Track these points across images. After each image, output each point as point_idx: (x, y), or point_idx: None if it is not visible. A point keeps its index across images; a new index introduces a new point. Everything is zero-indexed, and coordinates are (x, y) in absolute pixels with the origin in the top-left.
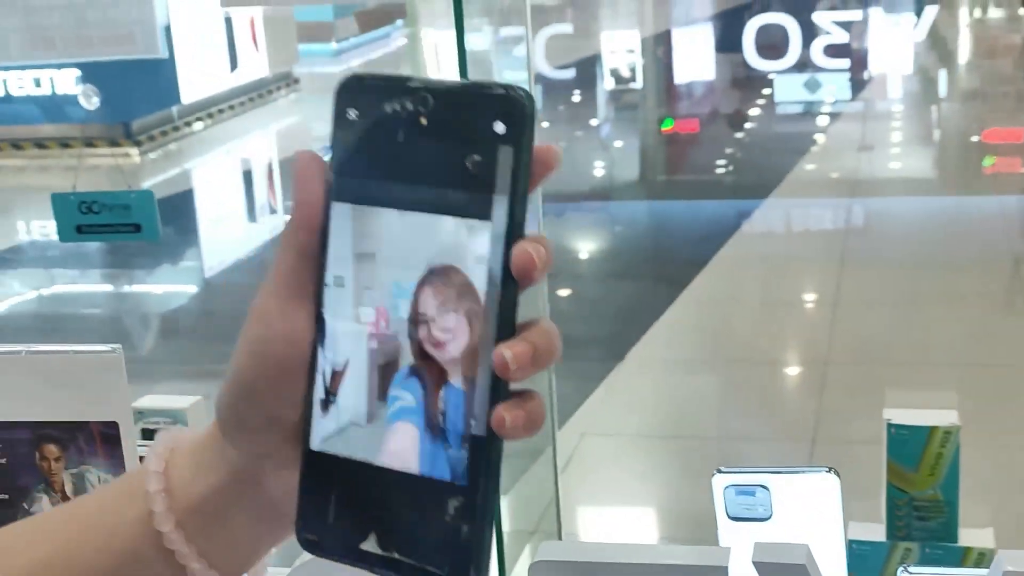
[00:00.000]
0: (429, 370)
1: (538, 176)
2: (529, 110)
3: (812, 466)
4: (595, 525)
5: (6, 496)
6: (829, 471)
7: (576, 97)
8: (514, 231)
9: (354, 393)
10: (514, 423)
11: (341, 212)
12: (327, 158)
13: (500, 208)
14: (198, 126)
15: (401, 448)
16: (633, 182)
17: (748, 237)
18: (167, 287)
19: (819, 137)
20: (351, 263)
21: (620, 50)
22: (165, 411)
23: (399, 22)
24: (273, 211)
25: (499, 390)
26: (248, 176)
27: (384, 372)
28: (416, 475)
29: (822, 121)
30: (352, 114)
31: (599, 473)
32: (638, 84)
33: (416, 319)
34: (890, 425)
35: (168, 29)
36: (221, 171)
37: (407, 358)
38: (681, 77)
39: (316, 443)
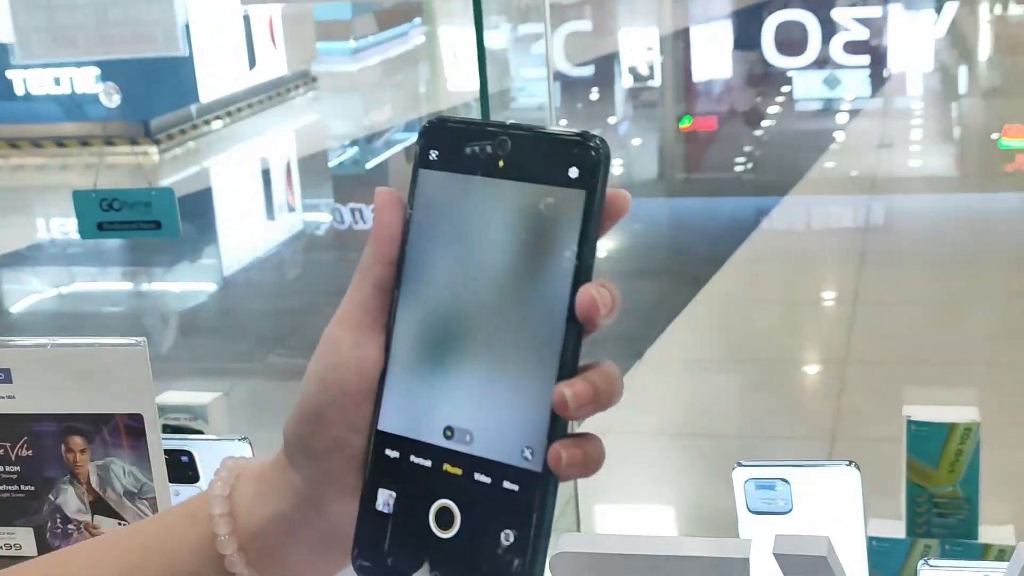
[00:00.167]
0: None
1: (609, 221)
2: (603, 156)
3: (832, 460)
4: (613, 523)
5: (32, 488)
6: (849, 464)
7: (594, 95)
8: (582, 274)
9: None
10: (570, 461)
11: (417, 248)
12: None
13: (570, 251)
14: (217, 124)
15: (457, 481)
16: (652, 180)
17: (767, 235)
18: (186, 285)
19: (838, 135)
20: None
21: (638, 48)
22: (186, 407)
23: (417, 20)
24: (291, 209)
25: (558, 428)
26: (267, 175)
27: None
28: (470, 509)
29: (841, 118)
30: (434, 155)
31: (617, 471)
32: (656, 82)
33: None
34: (910, 422)
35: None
36: (240, 169)
37: None
38: (699, 75)
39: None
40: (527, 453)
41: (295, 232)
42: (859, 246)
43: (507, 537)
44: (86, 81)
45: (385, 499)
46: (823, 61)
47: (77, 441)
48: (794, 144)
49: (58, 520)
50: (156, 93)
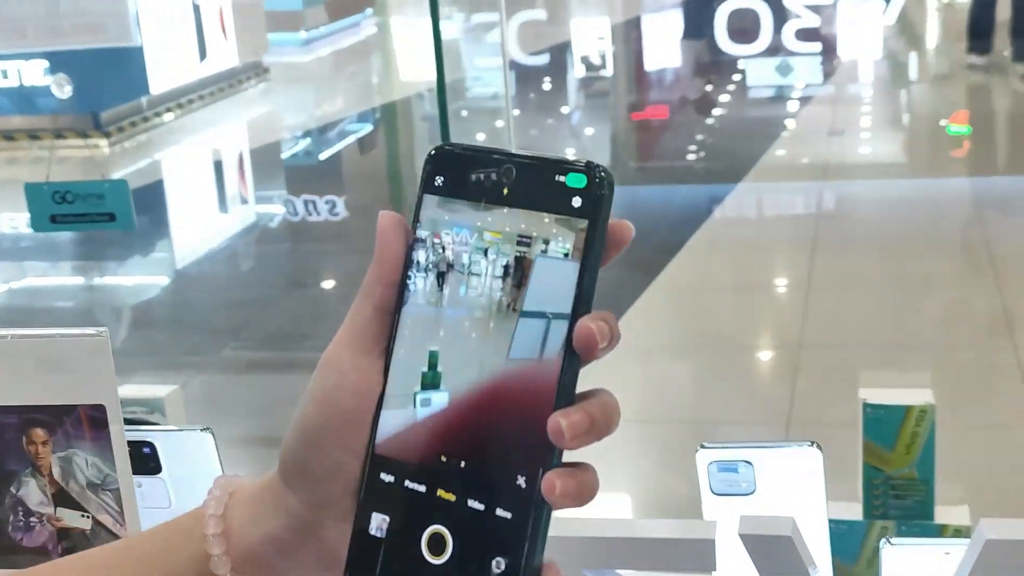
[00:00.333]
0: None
1: (612, 251)
2: (607, 186)
3: (795, 441)
4: (571, 510)
5: None
6: (812, 445)
7: (547, 85)
8: (582, 303)
9: None
10: (564, 491)
11: (418, 272)
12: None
13: (571, 280)
14: (168, 116)
15: (450, 507)
16: None
17: (720, 222)
18: (139, 279)
19: (790, 122)
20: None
21: (590, 37)
22: (143, 400)
23: (368, 10)
24: (244, 201)
25: (553, 457)
26: (219, 167)
27: None
28: (463, 535)
29: (793, 106)
30: (439, 180)
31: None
32: (608, 71)
33: None
34: (866, 405)
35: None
36: (191, 162)
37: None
38: (651, 64)
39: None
40: (521, 481)
41: (248, 224)
42: (811, 232)
43: (498, 565)
44: (35, 74)
45: (378, 523)
46: (775, 49)
47: (39, 433)
48: (746, 132)
49: (20, 513)
50: (106, 85)
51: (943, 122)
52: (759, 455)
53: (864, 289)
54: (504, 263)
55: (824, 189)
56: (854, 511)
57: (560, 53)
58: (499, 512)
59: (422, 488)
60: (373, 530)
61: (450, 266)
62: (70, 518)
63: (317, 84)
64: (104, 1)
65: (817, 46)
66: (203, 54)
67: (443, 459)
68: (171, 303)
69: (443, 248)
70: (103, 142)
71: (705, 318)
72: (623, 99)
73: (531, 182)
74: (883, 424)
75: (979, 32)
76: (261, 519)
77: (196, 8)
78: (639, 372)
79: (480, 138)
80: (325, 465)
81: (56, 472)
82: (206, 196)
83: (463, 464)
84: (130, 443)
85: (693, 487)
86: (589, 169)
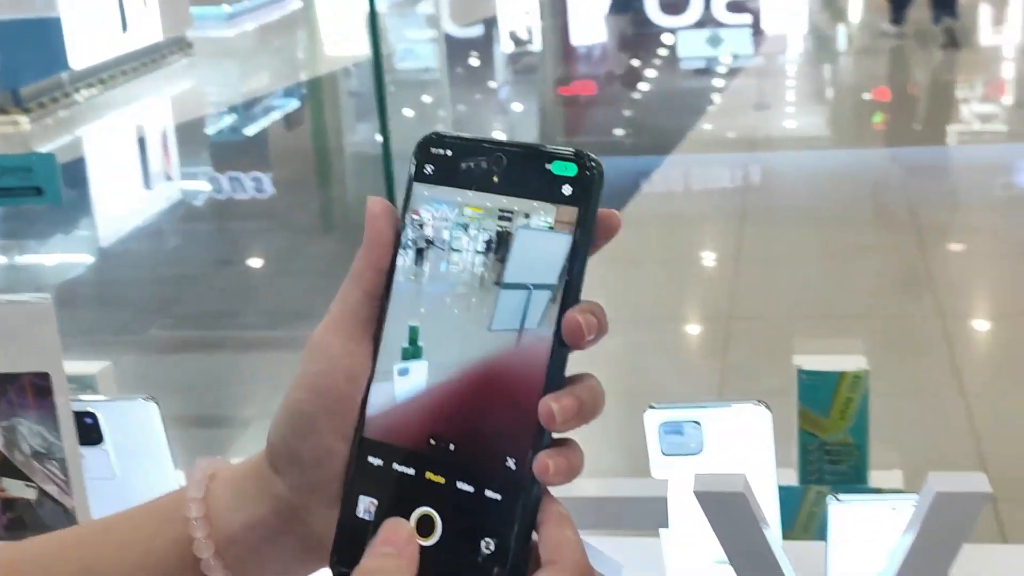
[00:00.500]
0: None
1: (600, 240)
2: (598, 175)
3: (743, 399)
4: None
5: None
6: (759, 403)
7: (475, 60)
8: (570, 292)
9: None
10: (557, 470)
11: (407, 258)
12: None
13: (560, 267)
14: (89, 92)
15: (439, 489)
16: None
17: (648, 196)
18: (62, 257)
19: (718, 96)
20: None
21: (517, 12)
22: (75, 377)
23: None
24: (169, 178)
25: (542, 439)
26: (142, 143)
27: None
28: (452, 517)
29: (720, 82)
30: (428, 169)
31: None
32: (536, 47)
33: None
34: (801, 371)
35: None
36: (114, 138)
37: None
38: (578, 39)
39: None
40: (511, 463)
41: (173, 202)
42: (739, 205)
43: (488, 545)
44: None
45: (366, 506)
46: (705, 21)
47: None
48: (674, 106)
49: None
50: (24, 60)
51: (866, 95)
52: (707, 415)
53: (793, 261)
54: (486, 238)
55: (751, 161)
56: (789, 477)
57: (489, 28)
58: (488, 493)
59: (411, 471)
60: (361, 513)
61: (436, 247)
62: (15, 488)
63: (242, 59)
64: None
65: (747, 17)
66: (124, 26)
67: (432, 442)
68: (96, 281)
69: (432, 233)
70: (23, 118)
71: (634, 292)
72: (551, 74)
73: (521, 170)
74: (818, 390)
75: (897, 3)
76: (245, 503)
77: None
78: None
79: (408, 113)
80: (316, 451)
81: (0, 442)
82: (130, 173)
83: (452, 447)
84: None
85: (628, 459)
86: (579, 157)
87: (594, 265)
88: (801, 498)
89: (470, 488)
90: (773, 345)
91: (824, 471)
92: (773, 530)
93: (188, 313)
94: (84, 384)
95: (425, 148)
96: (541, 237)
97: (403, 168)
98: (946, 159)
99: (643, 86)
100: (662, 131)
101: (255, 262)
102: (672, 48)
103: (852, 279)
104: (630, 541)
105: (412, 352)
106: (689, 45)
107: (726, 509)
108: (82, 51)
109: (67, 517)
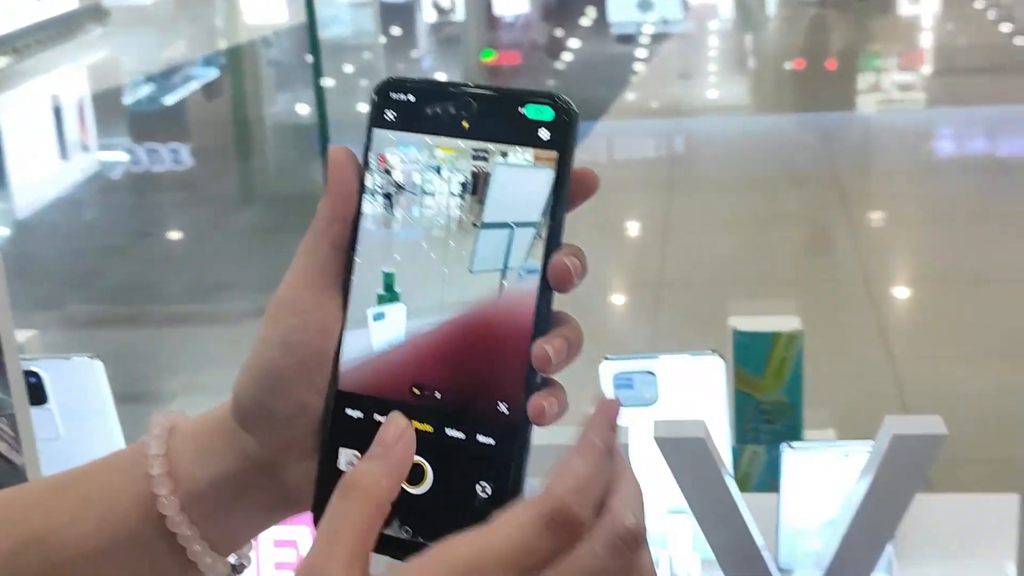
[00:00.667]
0: None
1: (578, 198)
2: (574, 117)
3: (697, 351)
4: None
5: None
6: (713, 353)
7: (396, 30)
8: (553, 238)
9: None
10: (551, 410)
11: (374, 207)
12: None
13: (542, 211)
14: (3, 61)
15: (427, 437)
16: None
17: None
18: None
19: (641, 66)
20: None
21: None
22: None
23: None
24: (86, 149)
25: (533, 382)
26: (58, 113)
27: None
28: (442, 464)
29: (643, 52)
30: (390, 115)
31: None
32: (459, 16)
33: None
34: (736, 332)
35: None
36: (29, 108)
37: None
38: (501, 8)
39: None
40: (503, 407)
41: (90, 173)
42: (666, 173)
43: (484, 490)
44: None
45: (348, 459)
46: None
47: None
48: (600, 75)
49: None
50: None
51: (787, 64)
52: (662, 365)
53: (721, 227)
54: (461, 179)
55: (677, 129)
56: None
57: None
58: (481, 439)
59: None
60: (343, 465)
61: (404, 190)
62: None
63: (160, 27)
64: None
65: None
66: None
67: (416, 391)
68: (14, 254)
69: (402, 178)
70: None
71: None
72: (474, 44)
73: (493, 115)
74: (753, 351)
75: None
76: (210, 459)
77: None
78: None
79: (330, 84)
80: (289, 407)
81: None
82: (46, 144)
83: (438, 394)
84: None
85: (572, 413)
86: (554, 100)
87: None
88: (737, 458)
89: (461, 435)
90: (703, 310)
91: (760, 430)
92: (728, 476)
93: (108, 286)
94: None
95: (384, 93)
96: (521, 173)
97: (338, 138)
98: (867, 125)
99: (568, 55)
100: (588, 99)
101: (175, 234)
102: (596, 20)
103: (780, 244)
104: None
105: (388, 299)
106: (620, 11)
107: (687, 455)
108: None
109: (16, 474)
